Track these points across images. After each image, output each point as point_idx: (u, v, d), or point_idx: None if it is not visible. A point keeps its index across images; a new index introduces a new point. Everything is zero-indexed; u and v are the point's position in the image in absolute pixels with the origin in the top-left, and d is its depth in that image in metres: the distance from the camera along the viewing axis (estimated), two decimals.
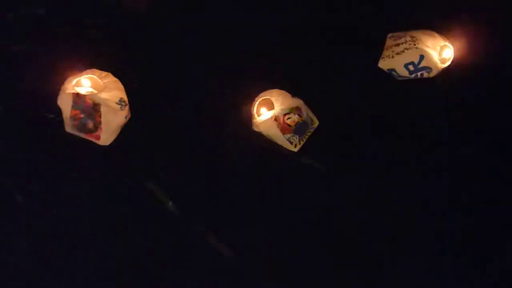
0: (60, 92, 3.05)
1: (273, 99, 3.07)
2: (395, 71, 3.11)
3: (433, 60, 3.06)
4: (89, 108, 3.02)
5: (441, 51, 3.10)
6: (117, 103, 3.05)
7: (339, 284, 3.25)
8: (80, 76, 3.08)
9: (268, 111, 3.07)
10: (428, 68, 3.08)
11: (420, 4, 3.30)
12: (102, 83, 3.08)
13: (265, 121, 3.04)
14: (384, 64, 3.12)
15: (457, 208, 3.29)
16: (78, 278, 3.24)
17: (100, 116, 3.02)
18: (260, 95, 3.11)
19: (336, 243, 3.25)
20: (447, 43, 3.13)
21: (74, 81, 3.06)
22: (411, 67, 3.08)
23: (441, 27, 3.21)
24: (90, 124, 3.04)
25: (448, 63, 3.11)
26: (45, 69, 3.20)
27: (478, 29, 3.24)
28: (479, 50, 3.22)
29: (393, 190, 3.27)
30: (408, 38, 3.05)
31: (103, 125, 3.04)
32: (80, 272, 3.23)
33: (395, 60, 3.07)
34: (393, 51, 3.08)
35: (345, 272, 3.25)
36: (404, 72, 3.09)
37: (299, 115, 3.03)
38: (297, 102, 3.08)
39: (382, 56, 3.12)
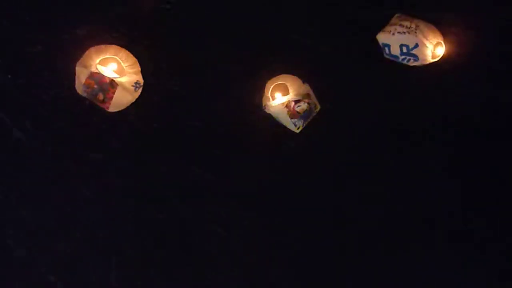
0: (81, 60, 3.13)
1: (288, 84, 3.28)
2: (389, 48, 3.29)
3: (424, 52, 3.25)
4: (105, 84, 3.11)
5: (435, 47, 3.28)
6: (133, 85, 3.17)
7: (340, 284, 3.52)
8: (104, 53, 3.15)
9: (282, 96, 3.29)
10: (416, 57, 3.28)
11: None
12: (124, 67, 3.16)
13: (277, 105, 3.27)
14: (382, 37, 3.28)
15: (457, 208, 3.53)
16: None
17: (113, 93, 3.13)
18: (275, 79, 3.30)
19: (338, 241, 3.51)
20: (441, 41, 3.32)
21: (98, 60, 3.12)
22: (404, 49, 3.26)
23: (439, 22, 3.37)
24: (101, 96, 3.15)
25: (436, 59, 3.31)
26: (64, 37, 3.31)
27: (472, 30, 3.43)
28: (470, 51, 3.42)
29: (394, 187, 3.53)
30: (413, 25, 3.22)
31: (113, 101, 3.15)
32: None
33: (393, 38, 3.24)
34: (395, 29, 3.24)
35: (345, 272, 3.52)
36: (396, 51, 3.27)
37: (308, 103, 3.28)
38: (307, 89, 3.31)
39: (383, 30, 3.28)
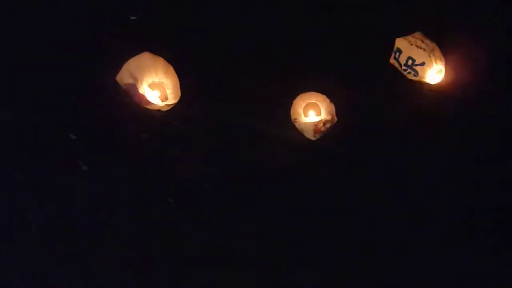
0: (130, 65, 3.20)
1: (320, 104, 3.44)
2: (400, 54, 3.39)
3: (426, 72, 3.38)
4: (142, 99, 3.20)
5: (437, 72, 3.41)
6: (167, 105, 3.27)
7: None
8: (154, 69, 3.23)
9: (315, 116, 3.45)
10: (416, 72, 3.39)
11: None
12: (167, 94, 3.25)
13: (307, 123, 3.44)
14: (401, 43, 3.37)
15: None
16: None
17: (146, 104, 3.24)
18: (306, 96, 3.46)
19: (343, 243, 3.57)
20: (443, 68, 3.42)
21: (147, 84, 3.20)
22: (409, 62, 3.38)
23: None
24: (133, 100, 3.24)
25: (432, 82, 3.44)
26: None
27: (474, 63, 3.53)
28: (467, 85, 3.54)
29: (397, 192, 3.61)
30: (431, 47, 3.34)
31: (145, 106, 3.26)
32: None
33: (409, 48, 3.35)
34: (416, 42, 3.35)
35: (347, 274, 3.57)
36: (403, 60, 3.39)
37: (331, 123, 3.43)
38: (333, 109, 3.44)
39: (405, 37, 3.37)
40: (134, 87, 3.18)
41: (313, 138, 3.47)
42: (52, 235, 3.50)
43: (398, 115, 3.56)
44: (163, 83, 3.27)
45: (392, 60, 3.42)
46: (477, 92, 3.52)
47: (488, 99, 3.54)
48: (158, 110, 3.29)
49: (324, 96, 3.46)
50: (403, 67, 3.39)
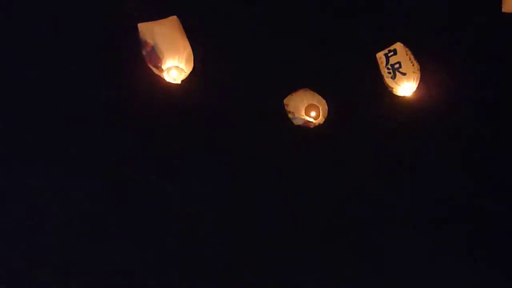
0: (151, 25, 3.24)
1: (321, 108, 3.67)
2: (394, 54, 3.62)
3: (402, 82, 3.64)
4: (153, 60, 3.26)
5: (409, 88, 3.67)
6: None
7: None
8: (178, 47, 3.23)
9: (315, 119, 3.69)
10: (394, 76, 3.65)
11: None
12: (183, 75, 3.26)
13: (304, 120, 3.67)
14: (400, 48, 3.62)
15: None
16: None
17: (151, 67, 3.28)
18: (310, 96, 3.69)
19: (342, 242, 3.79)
20: (415, 88, 3.69)
21: (166, 64, 3.22)
22: (396, 65, 3.63)
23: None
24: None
25: (399, 94, 3.70)
26: None
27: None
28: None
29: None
30: (417, 67, 3.62)
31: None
32: None
33: (403, 56, 3.61)
34: (411, 56, 3.62)
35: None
36: (392, 61, 3.62)
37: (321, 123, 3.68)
38: (326, 112, 3.69)
39: (406, 47, 3.62)
40: (149, 46, 3.23)
41: (295, 124, 3.73)
42: None
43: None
44: (183, 70, 3.31)
45: (380, 54, 3.64)
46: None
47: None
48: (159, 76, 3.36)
49: (324, 101, 3.71)
50: (388, 66, 3.62)
